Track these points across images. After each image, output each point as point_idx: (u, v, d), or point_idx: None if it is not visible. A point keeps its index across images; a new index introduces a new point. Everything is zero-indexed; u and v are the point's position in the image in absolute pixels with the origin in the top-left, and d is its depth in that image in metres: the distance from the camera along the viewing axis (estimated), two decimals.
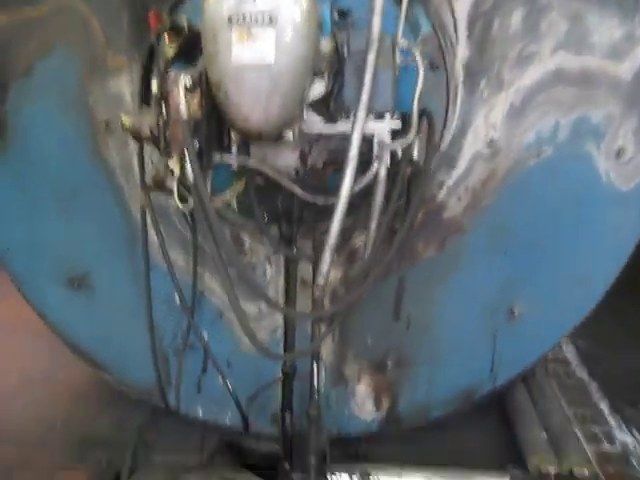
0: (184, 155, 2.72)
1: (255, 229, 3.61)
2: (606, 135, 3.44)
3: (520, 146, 3.48)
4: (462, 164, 3.52)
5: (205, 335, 3.81)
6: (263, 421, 3.93)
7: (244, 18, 2.45)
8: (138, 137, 2.89)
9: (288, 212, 3.35)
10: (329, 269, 2.84)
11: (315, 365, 3.34)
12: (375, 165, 2.73)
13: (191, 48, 2.91)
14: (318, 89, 2.70)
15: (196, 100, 2.64)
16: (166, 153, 2.78)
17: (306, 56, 2.48)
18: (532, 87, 3.40)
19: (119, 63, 3.53)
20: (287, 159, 3.16)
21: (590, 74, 3.37)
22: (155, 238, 3.68)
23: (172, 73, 2.61)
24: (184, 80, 2.56)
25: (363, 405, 3.92)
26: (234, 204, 3.50)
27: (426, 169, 2.95)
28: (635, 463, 4.09)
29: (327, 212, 3.40)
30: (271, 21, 2.44)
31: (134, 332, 3.92)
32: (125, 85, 3.56)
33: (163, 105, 2.74)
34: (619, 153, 3.45)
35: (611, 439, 4.32)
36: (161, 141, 2.75)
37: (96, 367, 4.08)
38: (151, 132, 2.85)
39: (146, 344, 3.93)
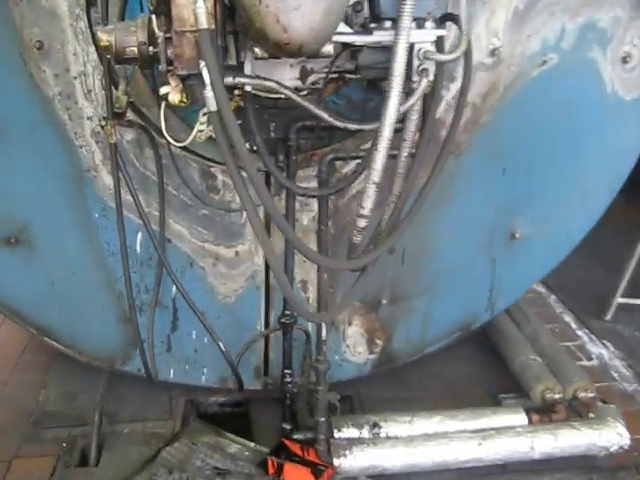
0: (188, 77, 2.20)
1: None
2: (613, 40, 3.19)
3: (523, 55, 3.17)
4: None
5: (173, 288, 3.35)
6: (245, 375, 3.52)
7: None
8: (121, 58, 2.31)
9: (284, 140, 2.88)
10: (372, 209, 2.42)
11: None
12: (424, 80, 2.30)
13: None
14: None
15: (209, 8, 2.09)
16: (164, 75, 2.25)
17: None
18: None
19: None
20: (285, 77, 2.68)
21: None
22: (106, 179, 3.17)
23: None
24: None
25: (355, 348, 3.59)
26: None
27: (465, 85, 2.56)
28: (616, 376, 4.08)
29: (330, 138, 3.04)
30: None
31: (86, 291, 3.39)
32: None
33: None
34: (625, 59, 3.23)
35: (587, 355, 4.28)
36: (162, 60, 2.20)
37: (41, 333, 3.48)
38: (139, 50, 2.29)
39: (101, 303, 3.42)
